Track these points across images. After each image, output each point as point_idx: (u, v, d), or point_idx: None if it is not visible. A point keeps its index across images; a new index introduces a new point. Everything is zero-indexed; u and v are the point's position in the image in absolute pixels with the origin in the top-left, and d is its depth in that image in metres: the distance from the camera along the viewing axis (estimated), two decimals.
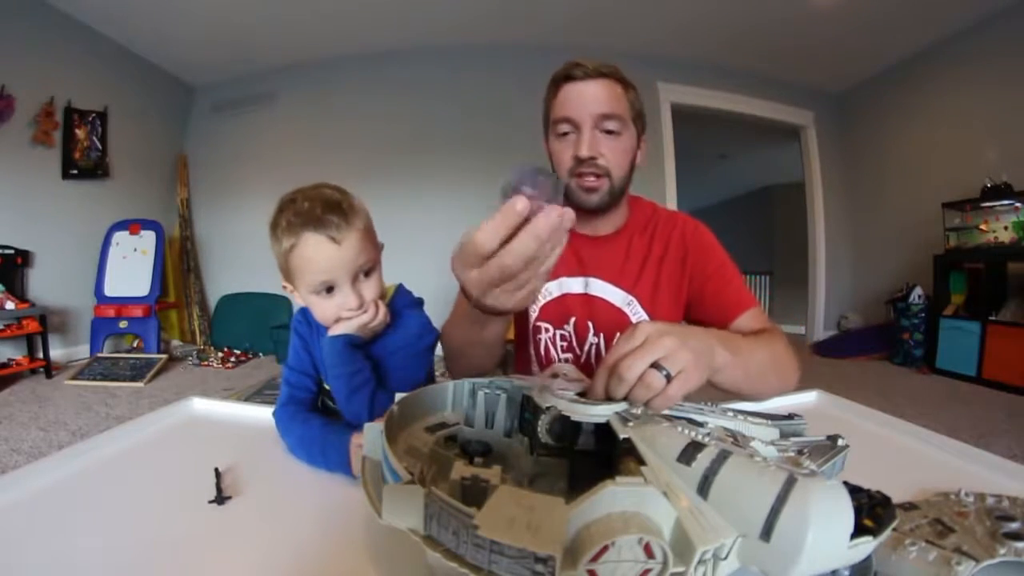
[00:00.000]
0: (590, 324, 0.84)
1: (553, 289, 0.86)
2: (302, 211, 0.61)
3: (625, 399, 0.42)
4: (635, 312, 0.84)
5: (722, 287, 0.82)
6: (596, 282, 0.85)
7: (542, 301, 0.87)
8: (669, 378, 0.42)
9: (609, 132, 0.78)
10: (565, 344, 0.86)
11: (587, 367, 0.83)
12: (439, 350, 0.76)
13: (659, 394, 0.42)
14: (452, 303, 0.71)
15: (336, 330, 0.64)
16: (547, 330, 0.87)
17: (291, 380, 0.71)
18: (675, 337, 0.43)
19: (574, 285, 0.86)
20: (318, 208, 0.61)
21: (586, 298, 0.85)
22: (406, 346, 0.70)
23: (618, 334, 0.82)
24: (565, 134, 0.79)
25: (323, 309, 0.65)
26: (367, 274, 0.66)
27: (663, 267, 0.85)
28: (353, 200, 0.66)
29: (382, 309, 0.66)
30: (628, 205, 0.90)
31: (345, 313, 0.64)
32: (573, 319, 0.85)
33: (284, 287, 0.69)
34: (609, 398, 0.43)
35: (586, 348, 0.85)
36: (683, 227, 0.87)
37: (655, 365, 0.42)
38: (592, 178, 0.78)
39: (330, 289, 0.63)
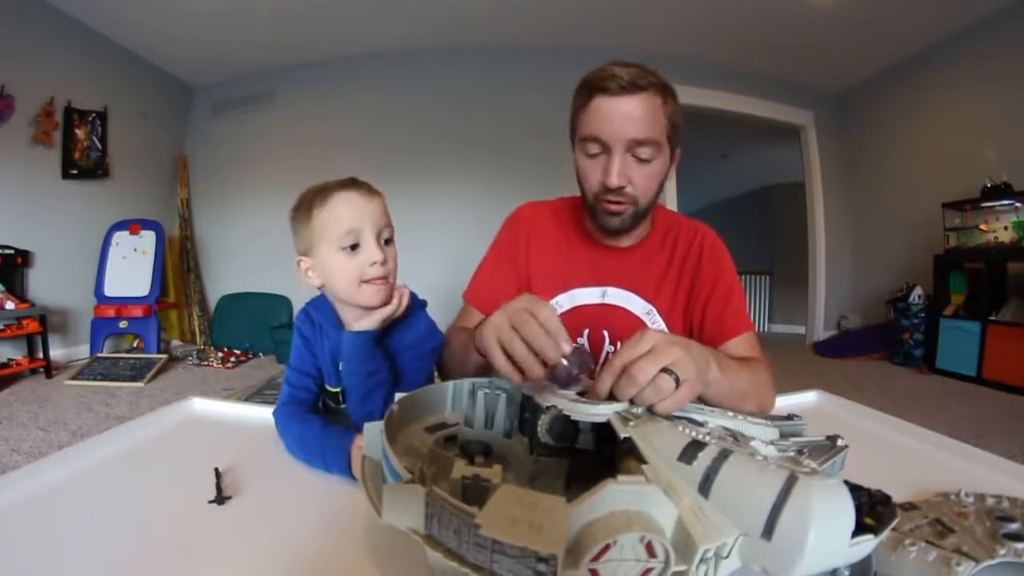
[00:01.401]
0: (605, 334, 0.83)
1: (564, 302, 0.84)
2: (332, 184, 0.67)
3: (630, 402, 0.43)
4: (654, 322, 0.83)
5: (724, 306, 0.81)
6: (615, 291, 0.84)
7: None
8: (678, 383, 0.43)
9: (641, 160, 0.71)
10: None
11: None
12: None
13: (668, 398, 0.42)
14: (450, 301, 0.71)
15: (359, 325, 0.64)
16: None
17: (292, 380, 0.71)
18: (681, 347, 0.45)
19: (589, 296, 0.84)
20: (348, 179, 0.67)
21: (603, 308, 0.83)
22: (414, 346, 0.70)
23: (619, 342, 0.81)
24: (595, 155, 0.73)
25: (347, 268, 0.64)
26: (387, 243, 0.68)
27: (682, 278, 0.84)
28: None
29: (404, 294, 0.68)
30: (650, 214, 0.87)
31: (369, 270, 0.64)
32: (586, 330, 0.83)
33: (299, 262, 0.68)
34: (611, 399, 0.43)
35: (601, 359, 0.83)
36: (703, 239, 0.85)
37: (664, 370, 0.43)
38: (616, 204, 0.74)
39: (355, 247, 0.64)
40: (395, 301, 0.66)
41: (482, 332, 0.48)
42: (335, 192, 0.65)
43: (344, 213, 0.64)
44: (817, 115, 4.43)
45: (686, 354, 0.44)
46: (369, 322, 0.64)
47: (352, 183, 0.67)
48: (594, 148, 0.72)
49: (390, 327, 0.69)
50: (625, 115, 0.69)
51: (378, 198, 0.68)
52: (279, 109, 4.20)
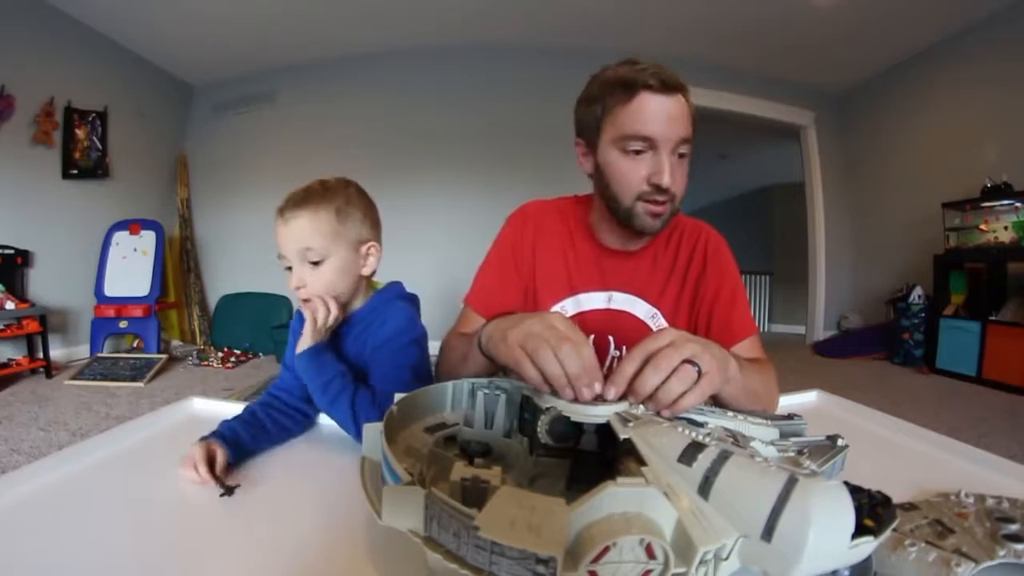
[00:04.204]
0: (610, 338, 0.82)
1: (570, 307, 0.83)
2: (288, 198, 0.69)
3: (637, 398, 0.43)
4: (659, 325, 0.82)
5: (731, 309, 0.80)
6: (620, 296, 0.83)
7: None
8: (699, 374, 0.44)
9: (681, 156, 0.72)
10: None
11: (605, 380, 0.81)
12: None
13: (691, 390, 0.43)
14: (445, 301, 0.71)
15: (300, 345, 0.66)
16: None
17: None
18: (698, 343, 0.46)
19: (595, 301, 0.83)
20: (294, 192, 0.68)
21: (609, 313, 0.83)
22: (391, 339, 0.69)
23: (625, 347, 0.80)
24: (638, 152, 0.71)
25: (289, 284, 0.69)
26: (316, 264, 0.67)
27: (686, 280, 0.83)
28: (337, 193, 0.69)
29: (332, 306, 0.66)
30: None
31: (294, 292, 0.67)
32: (591, 337, 0.81)
33: None
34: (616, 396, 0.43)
35: (606, 363, 0.82)
36: (707, 239, 0.84)
37: (686, 361, 0.44)
38: (661, 205, 0.72)
39: (290, 268, 0.67)
40: (318, 307, 0.65)
41: (507, 335, 0.48)
42: (279, 213, 0.67)
43: (279, 238, 0.67)
44: (817, 115, 4.43)
45: (704, 349, 0.45)
46: (307, 340, 0.65)
47: (286, 200, 0.67)
48: (639, 145, 0.70)
49: (358, 327, 0.70)
50: (673, 113, 0.69)
51: (301, 218, 0.65)
52: (279, 109, 4.20)
